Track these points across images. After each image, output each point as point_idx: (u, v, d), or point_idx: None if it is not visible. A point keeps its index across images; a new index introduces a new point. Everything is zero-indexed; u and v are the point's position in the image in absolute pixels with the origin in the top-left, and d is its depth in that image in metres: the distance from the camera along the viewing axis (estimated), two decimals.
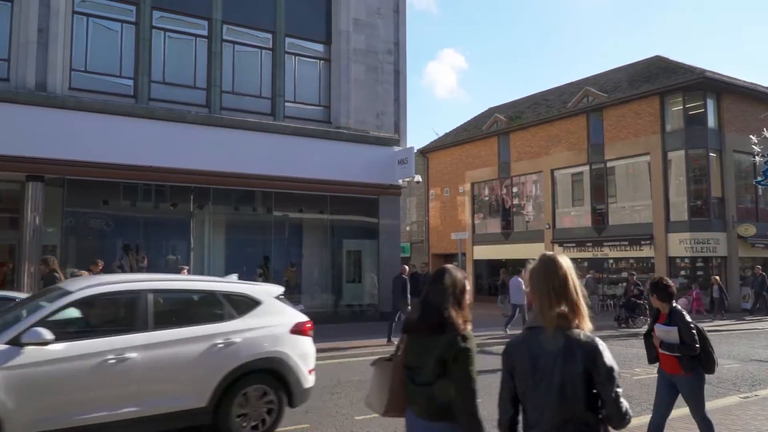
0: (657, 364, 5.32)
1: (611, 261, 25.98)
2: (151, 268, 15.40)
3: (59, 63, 14.31)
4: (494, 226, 31.48)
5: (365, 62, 18.72)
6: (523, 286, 14.35)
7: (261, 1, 17.40)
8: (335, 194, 17.80)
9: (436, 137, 39.89)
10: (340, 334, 14.12)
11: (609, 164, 26.27)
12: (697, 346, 4.93)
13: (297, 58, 18.03)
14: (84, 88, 14.74)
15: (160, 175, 15.17)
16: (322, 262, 17.95)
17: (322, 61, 18.51)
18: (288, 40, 17.76)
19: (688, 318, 5.05)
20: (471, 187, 32.81)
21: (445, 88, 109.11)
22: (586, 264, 25.61)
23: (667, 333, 5.06)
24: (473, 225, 32.50)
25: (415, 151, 19.91)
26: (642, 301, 17.59)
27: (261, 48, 17.42)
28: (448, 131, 37.74)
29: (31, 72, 13.99)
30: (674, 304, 5.14)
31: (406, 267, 14.87)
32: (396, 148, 18.68)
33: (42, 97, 13.95)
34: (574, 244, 26.92)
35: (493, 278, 30.12)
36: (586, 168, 26.99)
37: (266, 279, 16.61)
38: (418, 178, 19.53)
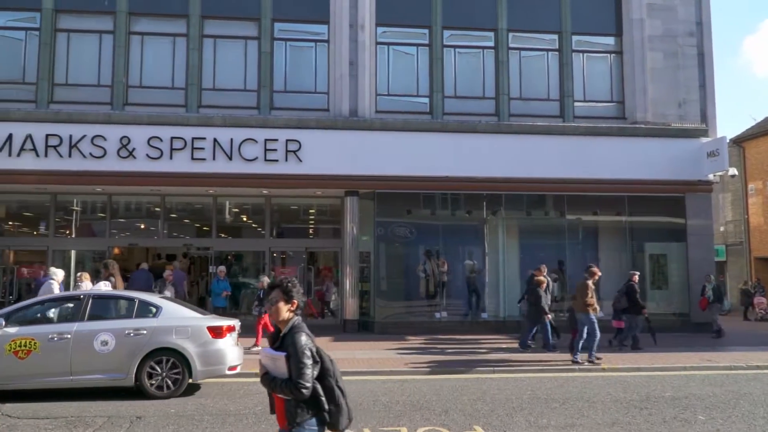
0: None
1: None
2: (450, 273, 16.32)
3: (367, 90, 16.12)
4: None
5: (662, 49, 17.19)
6: None
7: (545, 3, 17.24)
8: (633, 194, 16.65)
9: (753, 123, 34.62)
10: (645, 345, 13.12)
11: None
12: (306, 386, 3.26)
13: (585, 55, 17.42)
14: (387, 109, 16.36)
15: (456, 185, 16.02)
16: (621, 266, 16.91)
17: (612, 55, 17.57)
18: (575, 38, 17.27)
19: (305, 341, 3.35)
20: None
21: (766, 66, 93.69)
22: None
23: (273, 361, 3.41)
24: None
25: (728, 140, 17.56)
26: None
27: (547, 50, 17.25)
28: None
29: (346, 100, 16.02)
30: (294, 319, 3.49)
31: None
32: (703, 140, 16.73)
33: (354, 121, 15.87)
34: None
35: None
36: None
37: (562, 284, 16.29)
38: (732, 171, 17.20)
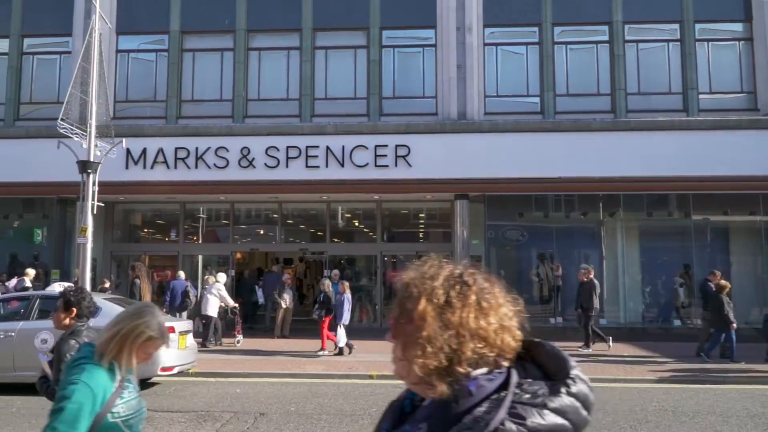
0: None
1: None
2: (565, 278, 15.80)
3: (475, 92, 15.99)
4: None
5: None
6: None
7: None
8: None
9: None
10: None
11: None
12: None
13: (710, 43, 16.26)
14: (497, 111, 16.13)
15: (569, 186, 15.48)
16: (756, 270, 15.62)
17: (741, 42, 16.27)
18: (698, 26, 16.17)
19: (67, 348, 3.41)
20: None
21: None
22: None
23: (45, 365, 3.63)
24: None
25: None
26: None
27: (667, 41, 16.29)
28: None
29: (454, 104, 15.98)
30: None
31: None
32: None
33: (463, 124, 15.79)
34: None
35: None
36: None
37: (688, 289, 15.31)
38: None
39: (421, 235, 18.60)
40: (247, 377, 10.39)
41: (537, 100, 16.19)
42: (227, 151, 15.77)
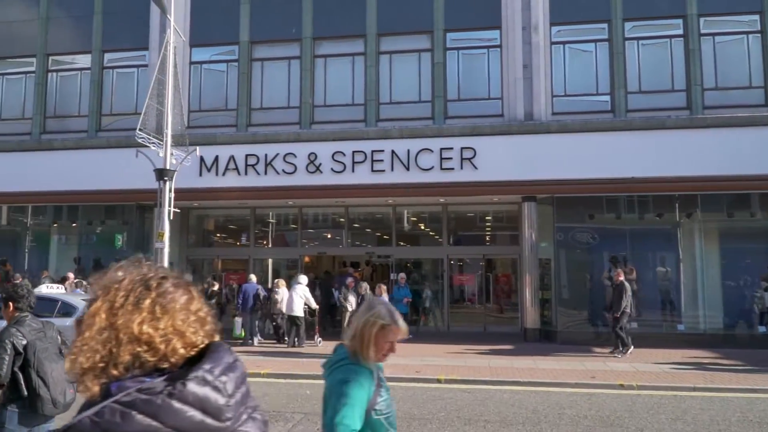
0: None
1: None
2: (640, 281, 15.25)
3: (542, 92, 15.70)
4: None
5: None
6: None
7: None
8: None
9: None
10: None
11: None
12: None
13: None
14: (565, 111, 15.77)
15: (643, 186, 14.94)
16: None
17: None
18: None
19: (6, 335, 4.10)
20: None
21: None
22: None
23: None
24: None
25: None
26: None
27: (747, 33, 15.48)
28: None
29: (520, 105, 15.75)
30: None
31: None
32: None
33: (530, 125, 15.52)
34: None
35: None
36: None
37: None
38: None
39: (487, 238, 18.41)
40: (317, 379, 10.56)
41: (607, 98, 15.73)
42: (295, 156, 16.10)
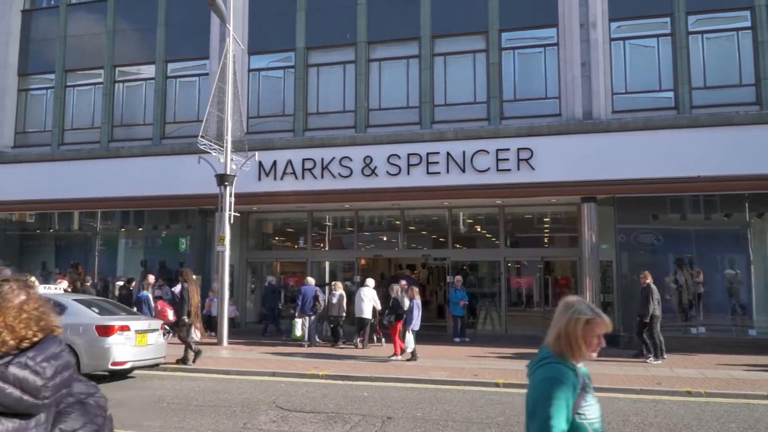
0: None
1: None
2: (707, 284, 14.67)
3: (601, 90, 15.32)
4: None
5: None
6: None
7: None
8: None
9: None
10: None
11: None
12: None
13: None
14: (625, 109, 15.34)
15: (709, 185, 14.36)
16: None
17: None
18: None
19: None
20: None
21: None
22: None
23: None
24: None
25: None
26: None
27: None
28: None
29: (578, 103, 15.42)
30: None
31: None
32: None
33: (589, 124, 15.17)
34: None
35: None
36: None
37: None
38: None
39: (546, 240, 18.08)
40: (374, 381, 10.61)
41: (671, 94, 15.21)
42: (351, 160, 16.25)
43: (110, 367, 10.04)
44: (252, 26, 17.98)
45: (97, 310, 10.75)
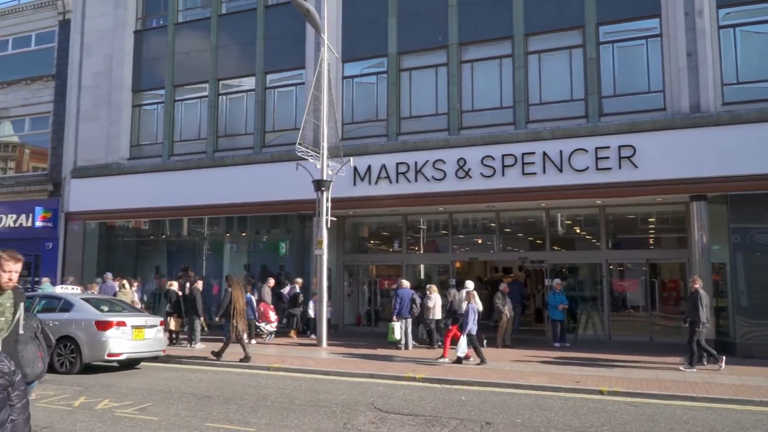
0: None
1: None
2: None
3: (710, 82, 14.42)
4: None
5: None
6: None
7: None
8: None
9: None
10: None
11: None
12: None
13: None
14: (737, 100, 14.34)
15: None
16: None
17: None
18: None
19: None
20: None
21: None
22: None
23: None
24: None
25: None
26: None
27: None
28: None
29: (685, 96, 14.58)
30: None
31: None
32: None
33: (696, 118, 14.31)
34: None
35: None
36: None
37: None
38: None
39: (651, 241, 17.19)
40: (471, 385, 10.52)
41: None
42: (444, 163, 16.22)
43: (106, 357, 11.46)
44: (345, 34, 18.37)
45: (106, 308, 12.29)
